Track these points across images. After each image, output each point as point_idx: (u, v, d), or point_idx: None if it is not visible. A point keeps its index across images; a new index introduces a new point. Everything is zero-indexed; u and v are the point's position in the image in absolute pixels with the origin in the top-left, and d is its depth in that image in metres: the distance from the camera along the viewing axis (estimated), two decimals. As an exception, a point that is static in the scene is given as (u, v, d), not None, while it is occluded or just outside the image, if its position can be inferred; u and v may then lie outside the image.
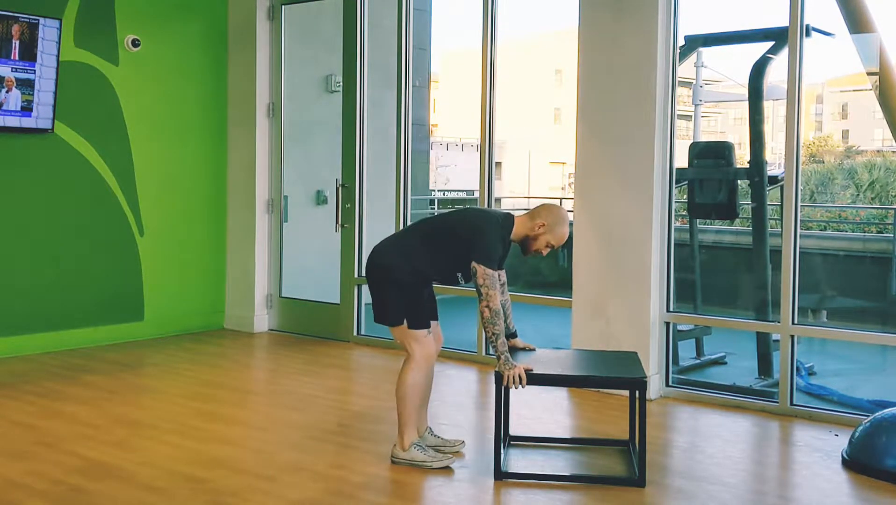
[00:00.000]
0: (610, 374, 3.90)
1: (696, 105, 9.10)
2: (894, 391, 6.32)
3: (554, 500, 3.58)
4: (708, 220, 8.72)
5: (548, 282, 9.81)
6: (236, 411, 4.93)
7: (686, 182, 6.39)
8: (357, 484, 3.71)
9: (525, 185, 28.62)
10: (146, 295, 6.77)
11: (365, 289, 6.76)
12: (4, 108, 5.81)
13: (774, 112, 8.29)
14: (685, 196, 6.54)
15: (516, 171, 28.45)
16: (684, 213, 6.90)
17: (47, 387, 5.25)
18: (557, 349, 4.47)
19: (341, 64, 6.83)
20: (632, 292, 5.22)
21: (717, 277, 7.87)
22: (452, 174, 22.83)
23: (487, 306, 3.66)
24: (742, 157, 7.38)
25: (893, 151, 19.46)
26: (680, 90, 5.42)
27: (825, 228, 11.96)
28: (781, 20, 5.02)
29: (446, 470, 3.86)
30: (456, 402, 5.16)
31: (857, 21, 5.72)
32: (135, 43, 6.58)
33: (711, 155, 6.42)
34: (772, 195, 6.29)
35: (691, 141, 6.89)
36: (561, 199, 15.38)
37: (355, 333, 6.77)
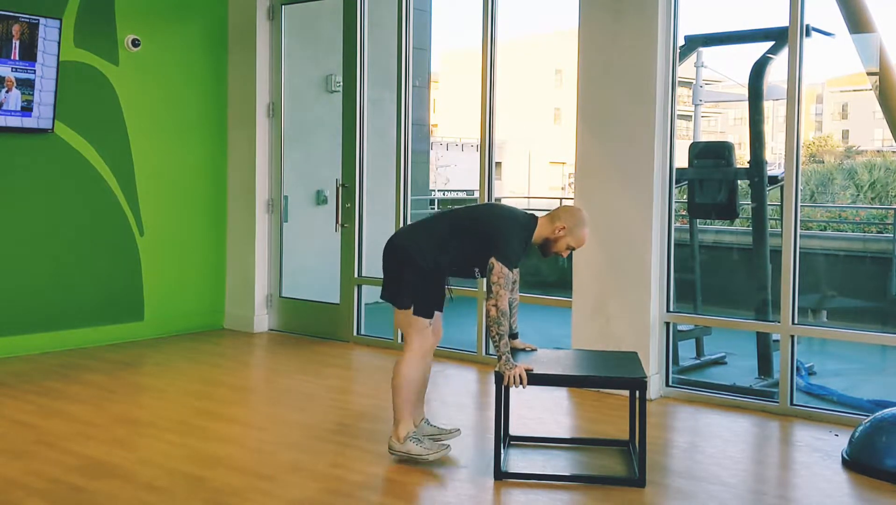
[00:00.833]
0: (610, 374, 3.90)
1: (696, 105, 9.09)
2: (894, 391, 6.32)
3: (554, 500, 3.58)
4: (708, 220, 8.72)
5: (548, 282, 9.81)
6: (236, 411, 4.93)
7: (686, 182, 6.40)
8: (356, 483, 3.71)
9: (525, 185, 28.61)
10: (146, 295, 6.77)
11: (365, 289, 6.77)
12: (4, 108, 5.81)
13: (774, 112, 8.29)
14: (685, 196, 6.54)
15: (516, 171, 28.45)
16: (684, 213, 6.90)
17: (47, 386, 5.26)
18: (557, 349, 4.47)
19: (341, 64, 6.83)
20: (632, 292, 5.22)
21: (717, 277, 7.87)
22: (452, 174, 22.84)
23: (495, 305, 3.66)
24: (742, 157, 7.38)
25: (893, 151, 19.46)
26: (680, 90, 5.42)
27: (825, 228, 11.95)
28: (781, 20, 5.02)
29: (445, 459, 3.87)
30: (456, 402, 5.16)
31: (857, 21, 5.72)
32: (135, 43, 6.58)
33: (711, 155, 6.42)
34: (772, 195, 6.29)
35: (691, 141, 6.89)
36: (561, 199, 15.36)
37: (355, 333, 6.77)
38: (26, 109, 5.91)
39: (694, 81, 8.44)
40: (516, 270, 4.02)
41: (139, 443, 4.24)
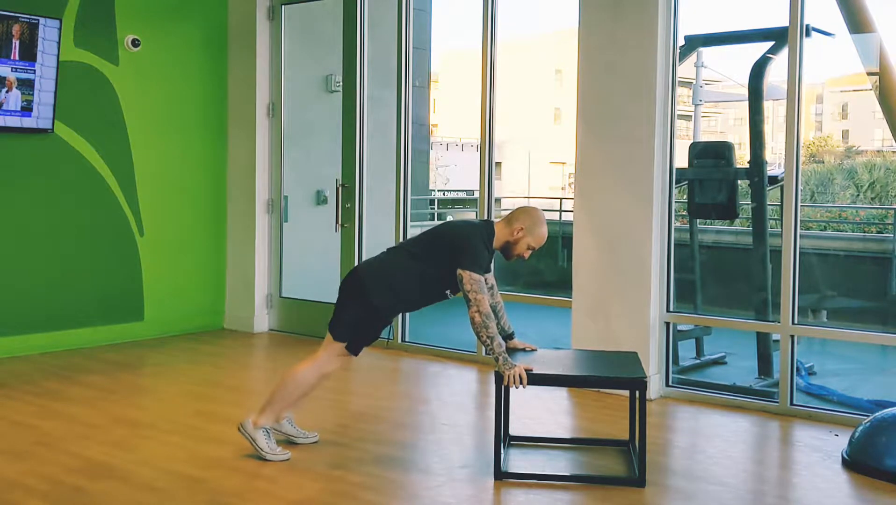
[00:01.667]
0: (610, 374, 3.90)
1: (696, 105, 9.09)
2: (894, 391, 6.33)
3: (554, 500, 3.58)
4: (708, 221, 8.72)
5: (548, 282, 9.81)
6: (236, 411, 4.92)
7: (686, 182, 6.39)
8: (356, 484, 3.71)
9: (525, 184, 28.61)
10: (146, 295, 6.77)
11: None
12: (4, 108, 5.81)
13: (774, 112, 8.30)
14: (685, 196, 6.53)
15: (516, 171, 28.45)
16: (684, 213, 6.89)
17: (47, 387, 5.25)
18: (557, 349, 4.47)
19: (341, 64, 6.83)
20: (632, 292, 5.22)
21: (717, 277, 7.87)
22: (452, 174, 22.86)
23: (478, 311, 3.67)
24: (742, 157, 7.38)
25: (893, 151, 19.47)
26: (680, 90, 5.42)
27: (825, 228, 11.96)
28: (781, 20, 5.01)
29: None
30: (456, 402, 5.16)
31: (857, 21, 5.72)
32: (135, 43, 6.58)
33: (711, 155, 6.42)
34: (772, 195, 6.29)
35: (691, 141, 6.89)
36: (561, 199, 15.36)
37: (355, 333, 6.75)
38: (26, 109, 5.91)
39: (694, 81, 8.43)
40: (490, 275, 4.05)
41: (139, 444, 4.24)
